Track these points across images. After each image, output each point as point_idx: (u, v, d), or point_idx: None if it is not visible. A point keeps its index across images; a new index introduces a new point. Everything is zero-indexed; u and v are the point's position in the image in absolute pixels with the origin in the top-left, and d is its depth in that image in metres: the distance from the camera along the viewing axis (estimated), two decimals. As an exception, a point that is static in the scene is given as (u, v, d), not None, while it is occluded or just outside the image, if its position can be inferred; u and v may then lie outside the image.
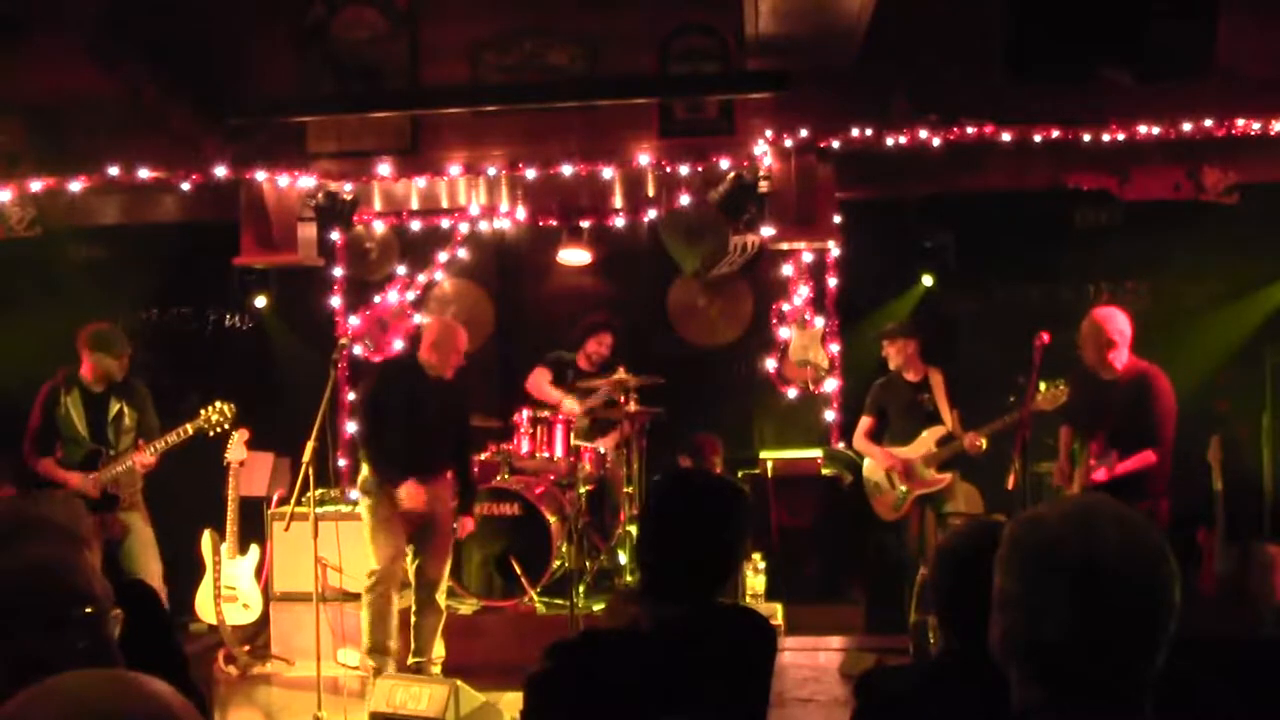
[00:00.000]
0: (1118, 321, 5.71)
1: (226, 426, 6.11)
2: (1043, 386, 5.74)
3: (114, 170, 6.55)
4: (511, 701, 5.72)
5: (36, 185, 6.70)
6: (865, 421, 6.69)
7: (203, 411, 6.09)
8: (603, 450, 6.90)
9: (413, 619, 5.99)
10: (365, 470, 5.91)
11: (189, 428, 6.06)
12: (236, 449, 6.28)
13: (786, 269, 7.28)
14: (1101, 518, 1.50)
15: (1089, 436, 5.80)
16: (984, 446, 6.19)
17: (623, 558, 6.92)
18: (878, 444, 6.61)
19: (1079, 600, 1.46)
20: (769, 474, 6.91)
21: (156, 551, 6.14)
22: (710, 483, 2.54)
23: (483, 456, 6.80)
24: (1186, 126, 6.12)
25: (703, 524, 2.34)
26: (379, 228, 7.65)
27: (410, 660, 5.97)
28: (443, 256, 7.68)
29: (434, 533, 5.93)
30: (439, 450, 5.93)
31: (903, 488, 6.48)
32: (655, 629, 2.29)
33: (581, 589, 6.54)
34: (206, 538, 6.41)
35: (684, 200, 6.81)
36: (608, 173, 6.65)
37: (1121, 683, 1.48)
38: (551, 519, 6.50)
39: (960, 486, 6.49)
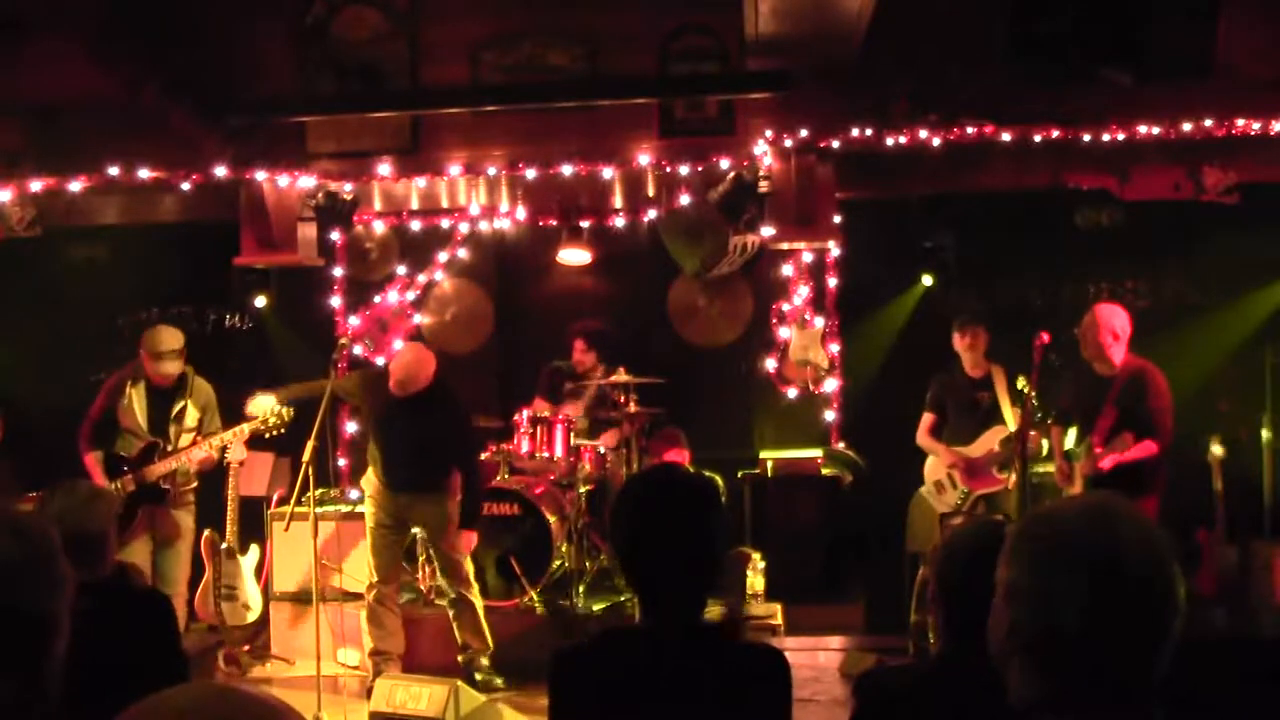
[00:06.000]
0: (1119, 318, 5.80)
1: (283, 431, 6.06)
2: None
3: (114, 170, 6.55)
4: (512, 700, 5.73)
5: (36, 185, 6.70)
6: (927, 418, 6.66)
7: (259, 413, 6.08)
8: (603, 450, 6.90)
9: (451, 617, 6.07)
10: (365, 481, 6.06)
11: (245, 428, 6.04)
12: (236, 449, 6.27)
13: (786, 269, 7.28)
14: (1118, 512, 1.52)
15: (1089, 429, 5.82)
16: (1045, 449, 6.19)
17: (618, 559, 6.90)
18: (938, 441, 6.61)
19: (1098, 591, 1.46)
20: (769, 474, 6.91)
21: (188, 564, 6.19)
22: (675, 482, 2.44)
23: (483, 456, 6.79)
24: (1186, 126, 6.12)
25: (677, 527, 2.28)
26: (379, 228, 7.64)
27: (459, 657, 6.04)
28: (443, 256, 7.67)
29: (433, 544, 6.04)
30: (415, 466, 5.92)
31: (964, 488, 6.49)
32: (662, 638, 2.29)
33: (581, 589, 6.54)
34: (206, 537, 6.40)
35: (684, 200, 6.81)
36: (608, 173, 6.65)
37: (1130, 680, 1.48)
38: (551, 519, 6.49)
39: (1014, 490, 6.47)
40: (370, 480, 6.02)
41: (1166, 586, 1.49)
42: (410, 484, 5.92)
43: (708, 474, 6.86)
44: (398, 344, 7.64)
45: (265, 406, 6.01)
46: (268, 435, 6.10)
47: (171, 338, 6.09)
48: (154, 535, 6.08)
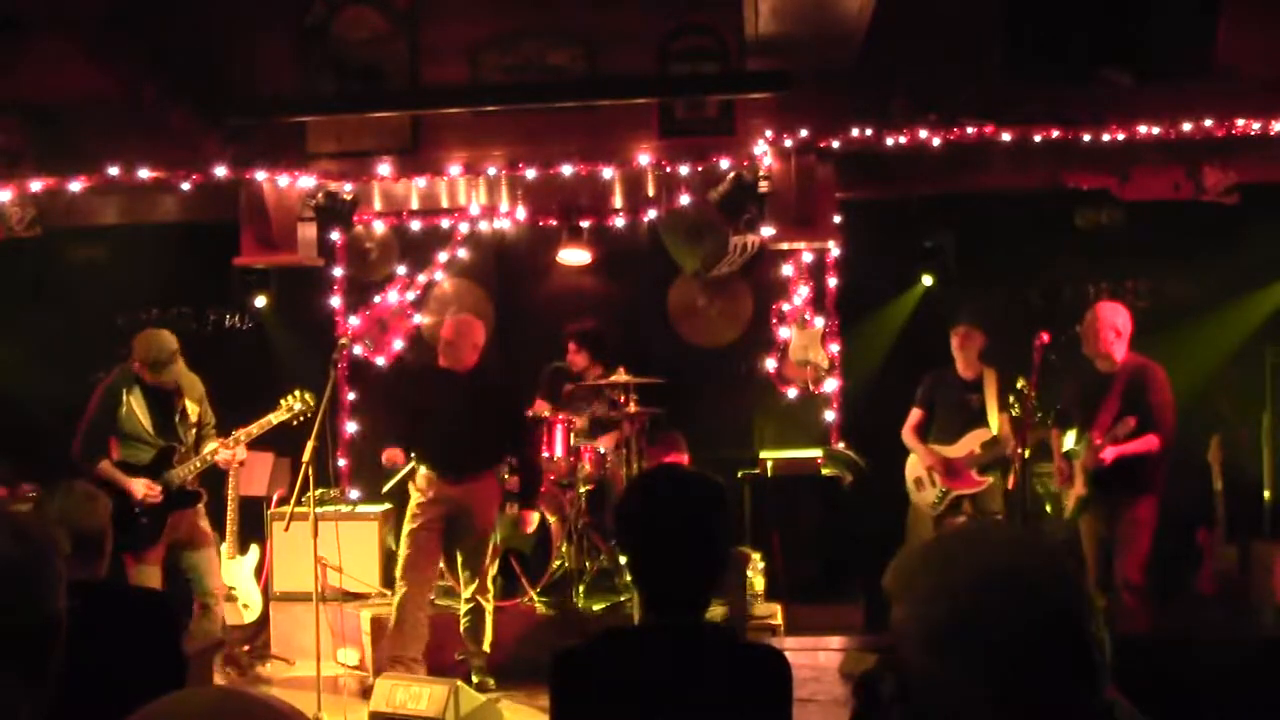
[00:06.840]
0: (1120, 315, 5.83)
1: (309, 415, 5.85)
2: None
3: (114, 170, 6.54)
4: (511, 700, 5.74)
5: (36, 185, 6.70)
6: (914, 414, 6.65)
7: (283, 401, 5.92)
8: (603, 450, 6.90)
9: (462, 619, 6.11)
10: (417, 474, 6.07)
11: (272, 419, 5.89)
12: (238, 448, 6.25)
13: (786, 269, 7.28)
14: (993, 532, 1.52)
15: (1090, 426, 5.83)
16: (1027, 455, 6.17)
17: (623, 558, 6.90)
18: (924, 439, 6.60)
19: (1020, 607, 1.43)
20: (769, 474, 6.91)
21: (219, 562, 6.03)
22: (681, 482, 2.46)
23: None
24: (1186, 126, 6.12)
25: (683, 527, 2.30)
26: (379, 228, 7.64)
27: (457, 654, 6.08)
28: (443, 256, 7.67)
29: (466, 533, 5.98)
30: (470, 448, 5.95)
31: (942, 487, 6.48)
32: (664, 637, 2.29)
33: (581, 589, 6.54)
34: (206, 538, 6.40)
35: (684, 200, 6.81)
36: (608, 173, 6.65)
37: (1071, 680, 1.46)
38: (551, 519, 6.49)
39: (1000, 489, 6.45)
40: (422, 483, 5.96)
41: (1080, 587, 1.48)
42: (468, 467, 5.94)
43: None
44: (398, 344, 7.66)
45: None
46: (295, 423, 5.94)
47: (169, 341, 5.74)
48: (175, 541, 5.75)
